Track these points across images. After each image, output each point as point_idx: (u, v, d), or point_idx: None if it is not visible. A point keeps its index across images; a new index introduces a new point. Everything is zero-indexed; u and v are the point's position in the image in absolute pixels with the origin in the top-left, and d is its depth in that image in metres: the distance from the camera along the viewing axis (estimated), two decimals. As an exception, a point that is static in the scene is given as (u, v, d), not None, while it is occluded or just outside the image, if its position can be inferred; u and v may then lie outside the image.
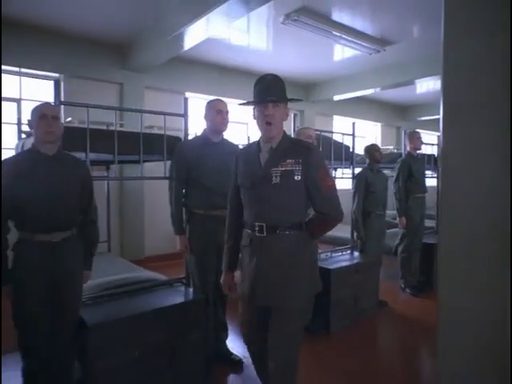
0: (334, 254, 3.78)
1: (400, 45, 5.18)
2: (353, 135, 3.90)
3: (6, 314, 1.99)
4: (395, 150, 5.91)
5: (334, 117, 8.42)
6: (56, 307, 1.97)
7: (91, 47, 5.10)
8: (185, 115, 2.85)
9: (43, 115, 1.92)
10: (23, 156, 2.04)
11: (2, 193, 1.88)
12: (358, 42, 4.84)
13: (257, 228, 1.68)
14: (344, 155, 3.85)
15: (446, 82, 1.84)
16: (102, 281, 2.59)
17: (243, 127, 6.98)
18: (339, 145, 3.85)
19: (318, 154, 1.78)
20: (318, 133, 3.56)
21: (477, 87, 1.69)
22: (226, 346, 2.81)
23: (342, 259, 3.64)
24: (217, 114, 2.56)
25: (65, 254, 1.98)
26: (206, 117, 2.62)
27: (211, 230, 2.51)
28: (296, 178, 1.65)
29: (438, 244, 1.85)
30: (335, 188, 1.73)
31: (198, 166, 2.54)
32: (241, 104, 1.83)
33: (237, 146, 2.86)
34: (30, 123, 2.02)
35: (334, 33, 4.55)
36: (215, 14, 3.66)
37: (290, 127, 5.41)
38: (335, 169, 4.73)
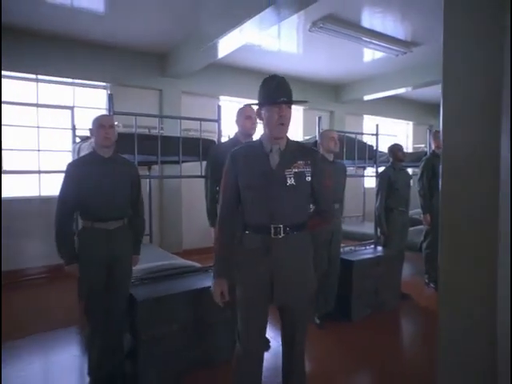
0: (357, 248, 4.00)
1: (427, 46, 5.29)
2: (376, 135, 4.10)
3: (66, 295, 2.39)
4: (426, 149, 6.00)
5: (364, 116, 8.53)
6: (111, 283, 2.37)
7: (134, 57, 5.59)
8: (218, 120, 3.19)
9: (102, 125, 2.32)
10: (85, 158, 2.45)
11: (70, 189, 2.30)
12: (385, 45, 5.00)
13: (272, 230, 1.67)
14: (368, 154, 4.05)
15: (446, 84, 2.04)
16: (147, 266, 2.98)
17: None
18: (363, 145, 4.06)
19: (320, 156, 1.86)
20: (342, 134, 3.80)
21: (475, 89, 1.87)
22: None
23: (365, 253, 3.86)
24: (246, 120, 2.87)
25: (118, 239, 2.37)
26: (237, 122, 2.94)
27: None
28: (307, 178, 1.71)
29: (439, 239, 2.05)
30: (331, 188, 1.90)
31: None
32: (252, 104, 1.89)
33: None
34: (91, 131, 2.42)
35: (360, 37, 4.75)
36: (248, 24, 3.93)
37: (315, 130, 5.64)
38: (364, 168, 4.94)
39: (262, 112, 1.72)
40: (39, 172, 5.22)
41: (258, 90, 1.73)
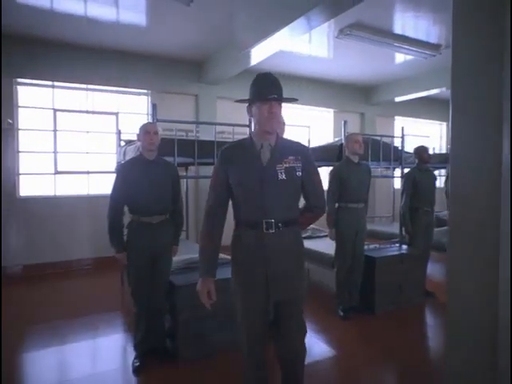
0: (382, 246, 4.16)
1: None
2: (402, 137, 4.24)
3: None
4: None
5: (396, 117, 8.55)
6: (154, 270, 2.71)
7: (173, 66, 6.00)
8: (250, 125, 3.48)
9: (147, 131, 2.66)
10: (133, 160, 2.80)
11: (120, 187, 2.66)
12: (413, 48, 5.10)
13: (264, 225, 1.69)
14: (393, 156, 4.20)
15: (455, 84, 2.18)
16: (184, 257, 3.31)
17: (305, 130, 7.48)
18: (388, 146, 4.22)
19: (310, 151, 1.88)
20: (367, 137, 3.98)
21: (481, 88, 2.01)
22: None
23: (389, 250, 4.01)
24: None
25: (161, 231, 2.71)
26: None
27: None
28: (298, 173, 1.73)
29: (448, 235, 2.22)
30: (322, 183, 1.89)
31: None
32: (238, 101, 1.84)
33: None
34: (138, 136, 2.78)
35: (387, 42, 4.89)
36: (280, 33, 4.14)
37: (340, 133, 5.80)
38: (394, 169, 5.06)
39: (253, 109, 1.73)
40: (88, 173, 5.73)
41: (250, 87, 1.76)
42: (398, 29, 4.76)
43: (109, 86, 5.71)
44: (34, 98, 5.40)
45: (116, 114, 5.88)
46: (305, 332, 1.88)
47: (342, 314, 3.63)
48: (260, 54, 4.96)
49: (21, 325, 3.52)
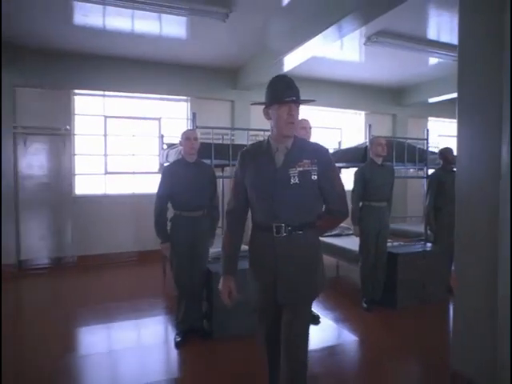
0: (406, 244, 4.35)
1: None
2: (426, 140, 4.41)
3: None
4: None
5: (429, 118, 8.54)
6: (193, 258, 3.10)
7: (210, 74, 6.43)
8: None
9: (188, 138, 3.06)
10: (175, 163, 3.21)
11: (165, 186, 3.07)
12: (442, 52, 5.21)
13: (275, 229, 1.69)
14: (418, 158, 4.37)
15: (461, 87, 2.38)
16: (219, 249, 3.69)
17: (337, 132, 7.69)
18: (413, 148, 4.39)
19: (329, 154, 1.82)
20: (391, 139, 4.18)
21: (488, 91, 2.20)
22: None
23: (412, 248, 4.20)
24: (302, 130, 3.44)
25: (199, 224, 3.09)
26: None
27: None
28: (313, 177, 1.68)
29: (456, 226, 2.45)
30: (344, 187, 1.81)
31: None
32: (254, 104, 1.86)
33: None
34: (180, 142, 3.18)
35: (415, 47, 5.04)
36: (313, 40, 4.36)
37: (377, 133, 5.95)
38: (420, 169, 5.21)
39: (270, 111, 1.72)
40: (133, 173, 6.28)
41: (266, 89, 1.75)
42: (425, 33, 4.90)
43: (152, 93, 6.22)
44: (87, 107, 6.02)
45: (159, 119, 6.40)
46: (304, 340, 1.78)
47: (365, 305, 3.87)
48: (293, 60, 5.22)
49: (76, 306, 4.05)
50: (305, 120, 3.49)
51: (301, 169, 1.68)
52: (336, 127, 7.67)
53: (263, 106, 1.75)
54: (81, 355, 3.05)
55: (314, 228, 1.77)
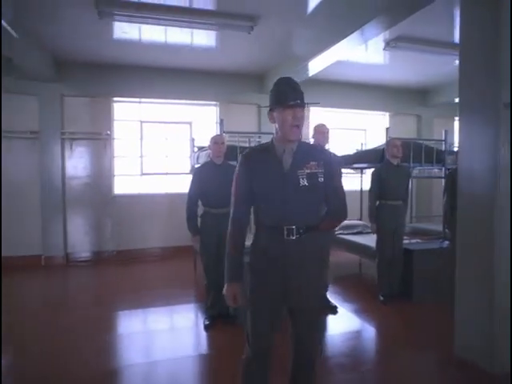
0: (423, 241, 4.53)
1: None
2: (445, 141, 4.56)
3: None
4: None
5: (456, 118, 8.52)
6: (220, 250, 3.44)
7: (238, 79, 6.79)
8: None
9: (216, 142, 3.42)
10: (205, 165, 3.58)
11: (195, 185, 3.44)
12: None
13: (286, 231, 1.69)
14: (435, 158, 4.54)
15: (463, 88, 2.57)
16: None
17: (361, 133, 7.86)
18: (430, 149, 4.56)
19: (333, 157, 1.85)
20: (409, 141, 4.38)
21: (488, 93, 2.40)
22: (325, 295, 3.95)
23: (429, 245, 4.38)
24: (321, 136, 3.72)
25: (226, 220, 3.39)
26: (314, 136, 3.81)
27: None
28: (320, 179, 1.70)
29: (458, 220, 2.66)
30: (344, 189, 1.84)
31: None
32: (260, 107, 2.14)
33: (334, 153, 3.98)
34: (208, 146, 3.55)
35: (435, 50, 5.17)
36: (336, 46, 4.58)
37: (401, 134, 6.11)
38: (448, 169, 5.33)
39: (275, 114, 1.72)
40: (166, 174, 6.75)
41: (270, 92, 1.77)
42: (446, 36, 5.01)
43: (184, 99, 6.67)
44: (125, 113, 6.54)
45: (190, 123, 6.84)
46: (318, 340, 1.86)
47: (382, 299, 4.09)
48: (317, 65, 5.45)
49: (115, 292, 4.53)
50: (322, 125, 3.78)
51: (309, 171, 1.69)
52: (360, 128, 7.84)
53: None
54: (120, 334, 3.49)
55: (318, 231, 1.77)
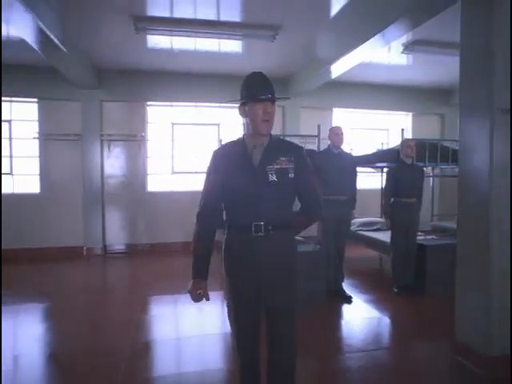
0: (438, 238, 4.70)
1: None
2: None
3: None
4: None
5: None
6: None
7: (263, 83, 7.11)
8: (318, 136, 4.41)
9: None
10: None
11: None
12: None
13: (253, 228, 1.65)
14: (451, 158, 4.70)
15: (462, 92, 2.78)
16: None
17: (384, 133, 8.01)
18: (446, 149, 4.73)
19: (305, 152, 1.81)
20: (424, 141, 4.57)
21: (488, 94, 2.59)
22: (341, 286, 4.23)
23: (443, 241, 4.54)
24: (336, 137, 4.00)
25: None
26: (329, 138, 4.09)
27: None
28: (290, 175, 1.68)
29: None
30: (318, 187, 1.83)
31: (324, 169, 4.00)
32: (230, 101, 1.95)
33: (350, 154, 4.26)
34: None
35: (453, 52, 5.29)
36: (359, 49, 4.71)
37: (424, 134, 6.23)
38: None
39: (246, 109, 1.71)
40: (196, 173, 7.18)
41: (241, 87, 1.77)
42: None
43: (212, 102, 7.07)
44: (158, 116, 7.03)
45: (218, 125, 7.24)
46: (293, 347, 1.79)
47: (395, 290, 4.32)
48: (340, 67, 5.61)
49: (148, 280, 4.99)
50: (337, 127, 4.06)
51: (278, 166, 1.67)
52: (383, 128, 7.98)
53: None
54: (153, 314, 3.91)
55: (290, 227, 1.75)
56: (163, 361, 2.97)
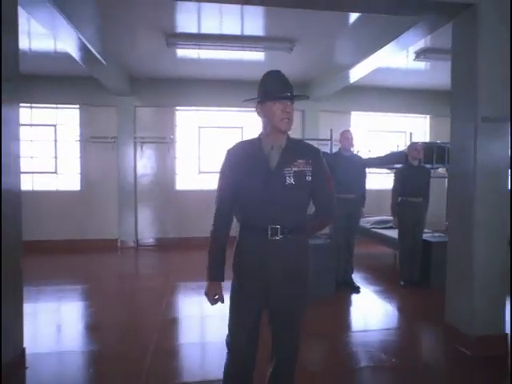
0: (444, 235, 4.95)
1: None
2: (468, 144, 4.97)
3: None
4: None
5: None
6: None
7: (284, 88, 7.52)
8: (330, 140, 4.82)
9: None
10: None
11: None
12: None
13: (270, 231, 1.62)
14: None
15: (453, 100, 3.11)
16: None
17: (402, 135, 8.24)
18: (454, 152, 4.99)
19: (322, 155, 1.76)
20: (433, 143, 4.86)
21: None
22: (351, 277, 4.59)
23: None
24: (346, 141, 4.37)
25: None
26: (340, 141, 4.47)
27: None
28: (308, 178, 1.64)
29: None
30: (334, 190, 1.78)
31: (335, 170, 4.39)
32: (246, 100, 1.80)
33: (359, 156, 4.63)
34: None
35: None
36: (376, 55, 4.96)
37: (442, 137, 6.45)
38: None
39: (263, 108, 1.67)
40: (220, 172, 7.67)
41: (259, 85, 1.72)
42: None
43: (236, 107, 7.54)
44: (185, 119, 7.58)
45: (241, 127, 7.72)
46: (297, 347, 1.79)
47: (402, 283, 4.64)
48: (358, 73, 5.92)
49: (176, 270, 5.52)
50: (347, 131, 4.44)
51: (296, 169, 1.64)
52: (401, 131, 8.22)
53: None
54: (180, 297, 4.43)
55: (305, 231, 1.73)
56: (189, 332, 3.50)
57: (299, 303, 1.75)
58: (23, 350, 2.69)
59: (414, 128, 8.28)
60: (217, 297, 1.74)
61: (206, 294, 1.75)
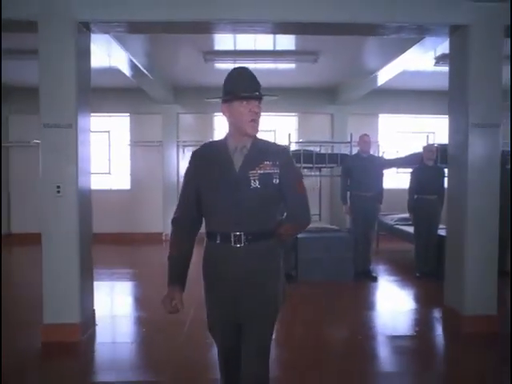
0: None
1: None
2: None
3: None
4: None
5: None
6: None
7: (313, 93, 8.00)
8: (350, 142, 5.28)
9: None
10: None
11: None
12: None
13: (233, 238, 1.52)
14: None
15: (449, 105, 3.51)
16: (313, 226, 5.35)
17: (430, 136, 8.44)
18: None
19: (291, 155, 1.70)
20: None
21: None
22: (369, 268, 5.04)
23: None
24: (364, 144, 4.83)
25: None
26: (358, 144, 4.93)
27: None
28: (275, 181, 1.53)
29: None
30: (306, 192, 1.64)
31: (353, 170, 4.87)
32: (209, 99, 1.78)
33: (377, 157, 5.06)
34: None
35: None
36: (401, 58, 5.25)
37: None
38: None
39: (228, 107, 1.56)
40: (254, 173, 8.30)
41: (224, 83, 1.61)
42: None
43: (268, 111, 8.06)
44: (223, 124, 8.27)
45: (274, 131, 8.30)
46: (266, 361, 1.63)
47: (417, 274, 5.02)
48: (385, 76, 6.22)
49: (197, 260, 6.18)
50: (365, 135, 4.90)
51: (262, 171, 1.53)
52: (429, 132, 8.42)
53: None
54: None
55: (274, 236, 1.61)
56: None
57: (268, 317, 1.62)
58: (93, 311, 3.47)
59: (441, 129, 8.45)
60: (176, 303, 1.59)
61: (162, 302, 1.61)
